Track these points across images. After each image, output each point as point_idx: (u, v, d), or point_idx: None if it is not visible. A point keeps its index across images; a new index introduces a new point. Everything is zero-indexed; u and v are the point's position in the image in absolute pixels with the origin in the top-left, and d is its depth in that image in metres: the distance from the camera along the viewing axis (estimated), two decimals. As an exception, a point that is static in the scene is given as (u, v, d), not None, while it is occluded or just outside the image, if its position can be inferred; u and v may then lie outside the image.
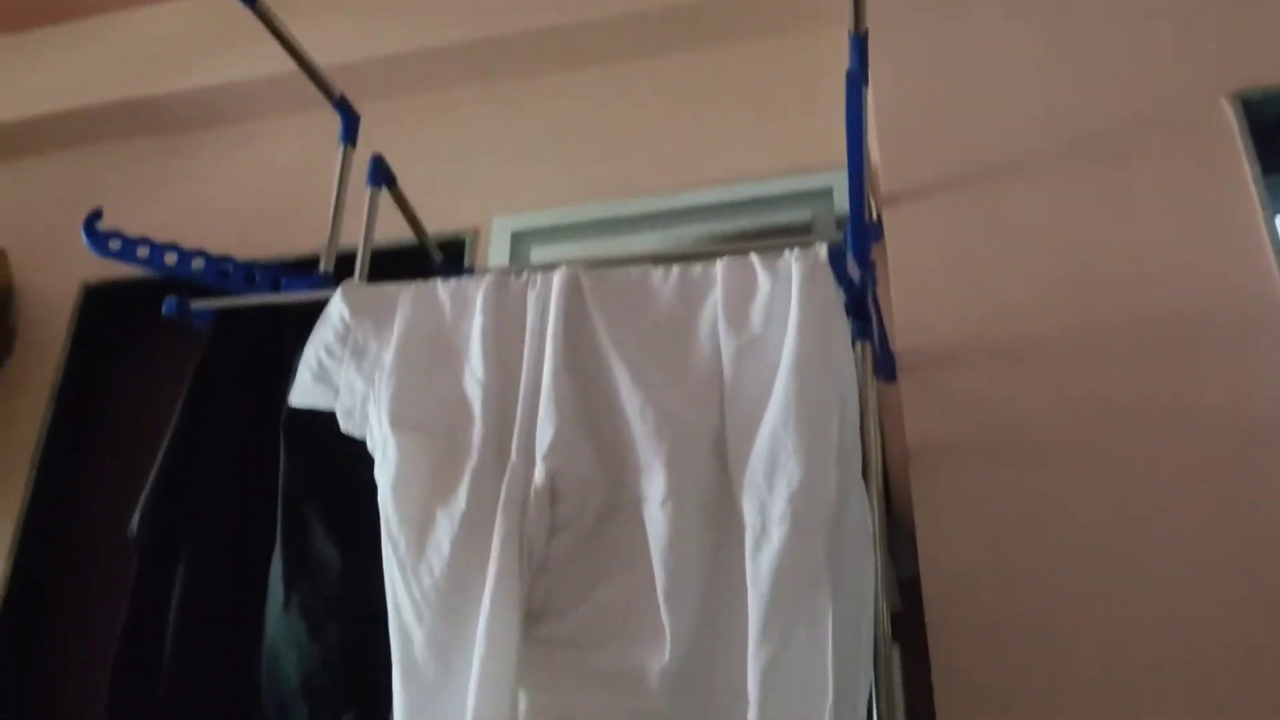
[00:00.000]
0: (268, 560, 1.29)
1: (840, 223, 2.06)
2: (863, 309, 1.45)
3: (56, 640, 1.93)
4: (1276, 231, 1.68)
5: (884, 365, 1.75)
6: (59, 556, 1.98)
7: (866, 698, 1.23)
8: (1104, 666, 1.49)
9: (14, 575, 1.91)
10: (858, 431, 1.23)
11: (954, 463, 1.67)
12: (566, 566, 1.14)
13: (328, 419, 1.29)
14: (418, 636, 1.10)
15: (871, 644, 1.24)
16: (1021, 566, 1.59)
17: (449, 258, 2.09)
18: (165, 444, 1.38)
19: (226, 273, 1.63)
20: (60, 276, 2.34)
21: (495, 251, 2.20)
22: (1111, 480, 1.59)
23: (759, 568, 1.07)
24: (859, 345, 1.43)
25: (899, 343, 1.78)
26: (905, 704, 1.56)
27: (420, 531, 1.14)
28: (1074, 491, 1.60)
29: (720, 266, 1.24)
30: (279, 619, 1.25)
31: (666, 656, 1.05)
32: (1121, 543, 1.55)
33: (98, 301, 2.27)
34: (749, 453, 1.13)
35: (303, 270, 1.70)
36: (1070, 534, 1.58)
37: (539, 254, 2.20)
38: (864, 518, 1.20)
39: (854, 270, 1.34)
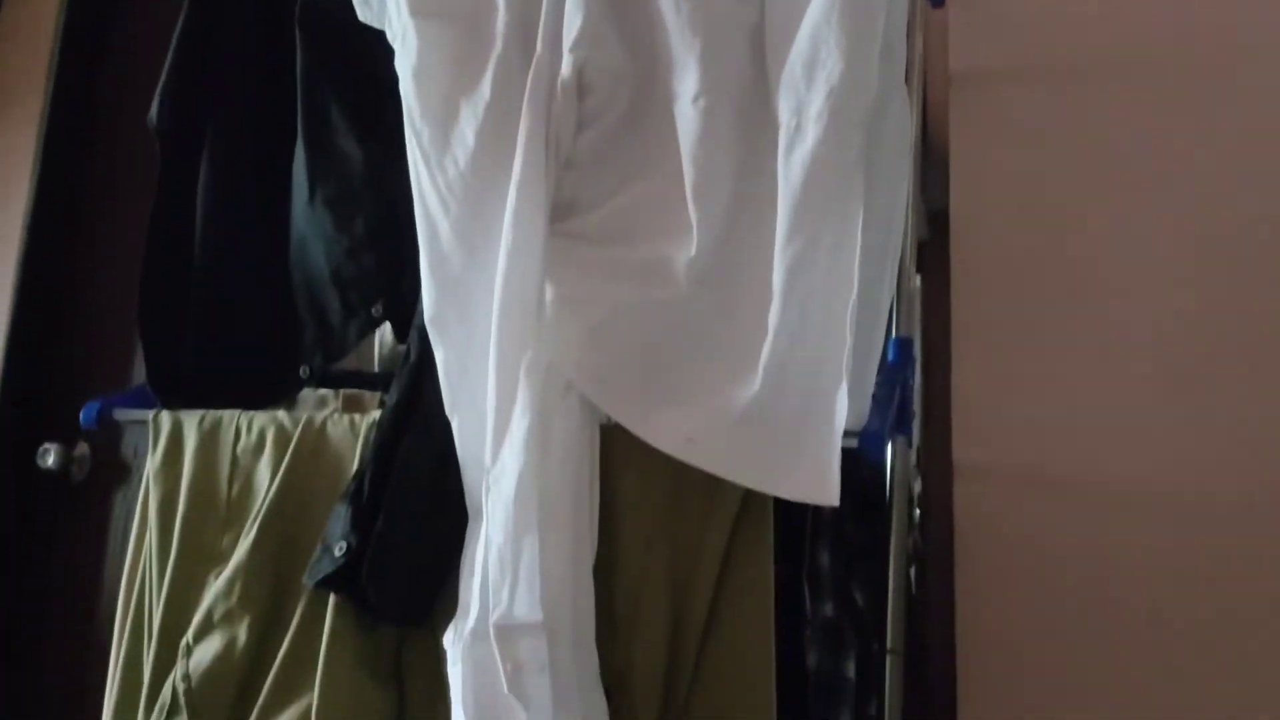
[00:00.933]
0: (291, 152, 1.27)
1: None
2: (918, -92, 1.34)
3: (89, 241, 1.96)
4: None
5: (933, -16, 1.64)
6: (86, 161, 1.97)
7: (889, 307, 1.24)
8: (1129, 302, 1.50)
9: (43, 182, 1.91)
10: (904, 32, 1.16)
11: (998, 91, 1.60)
12: (594, 163, 1.11)
13: (344, 9, 1.23)
14: (443, 226, 1.10)
15: (898, 256, 1.24)
16: (1057, 201, 1.56)
17: None
18: (177, 31, 1.33)
19: None
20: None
21: None
22: (1167, 112, 1.52)
23: (791, 166, 1.04)
24: (911, -53, 1.33)
25: (951, -41, 1.66)
26: (922, 329, 1.59)
27: (444, 122, 1.11)
28: (1122, 124, 1.54)
29: None
30: (304, 212, 1.25)
31: (693, 249, 1.05)
32: (1166, 173, 1.51)
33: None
34: (788, 49, 1.07)
35: None
36: (1111, 165, 1.54)
37: None
38: (903, 124, 1.16)
39: None
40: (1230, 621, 1.39)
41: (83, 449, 1.89)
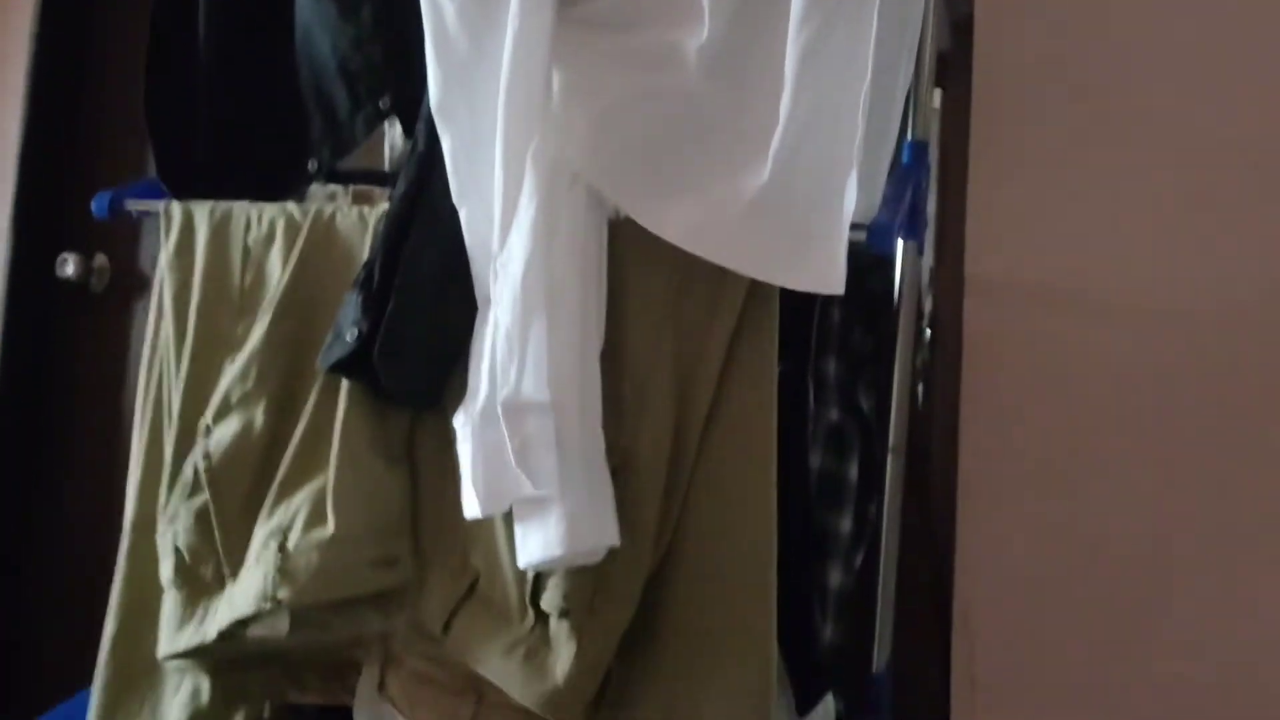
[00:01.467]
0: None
1: None
2: None
3: (99, 45, 1.94)
4: None
5: None
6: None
7: (903, 102, 1.23)
8: (1153, 119, 1.47)
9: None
10: None
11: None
12: (604, -55, 1.08)
13: None
14: (449, 10, 1.07)
15: (914, 50, 1.21)
16: (1084, 13, 1.51)
17: None
18: None
19: None
20: None
21: None
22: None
23: (806, -54, 1.00)
24: None
25: None
26: (940, 147, 1.57)
27: (450, -101, 1.07)
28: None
29: None
30: (309, 1, 1.23)
31: (704, 35, 1.03)
32: None
33: None
34: None
35: None
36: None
37: None
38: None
39: None
40: (1238, 433, 1.41)
41: (101, 260, 1.91)
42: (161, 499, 1.17)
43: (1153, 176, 1.47)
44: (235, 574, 1.11)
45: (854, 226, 1.03)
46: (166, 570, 1.14)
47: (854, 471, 1.37)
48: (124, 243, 1.91)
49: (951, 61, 1.58)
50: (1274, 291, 1.42)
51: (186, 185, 1.28)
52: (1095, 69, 1.50)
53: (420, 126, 1.13)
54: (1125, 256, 1.48)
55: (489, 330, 1.03)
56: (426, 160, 1.11)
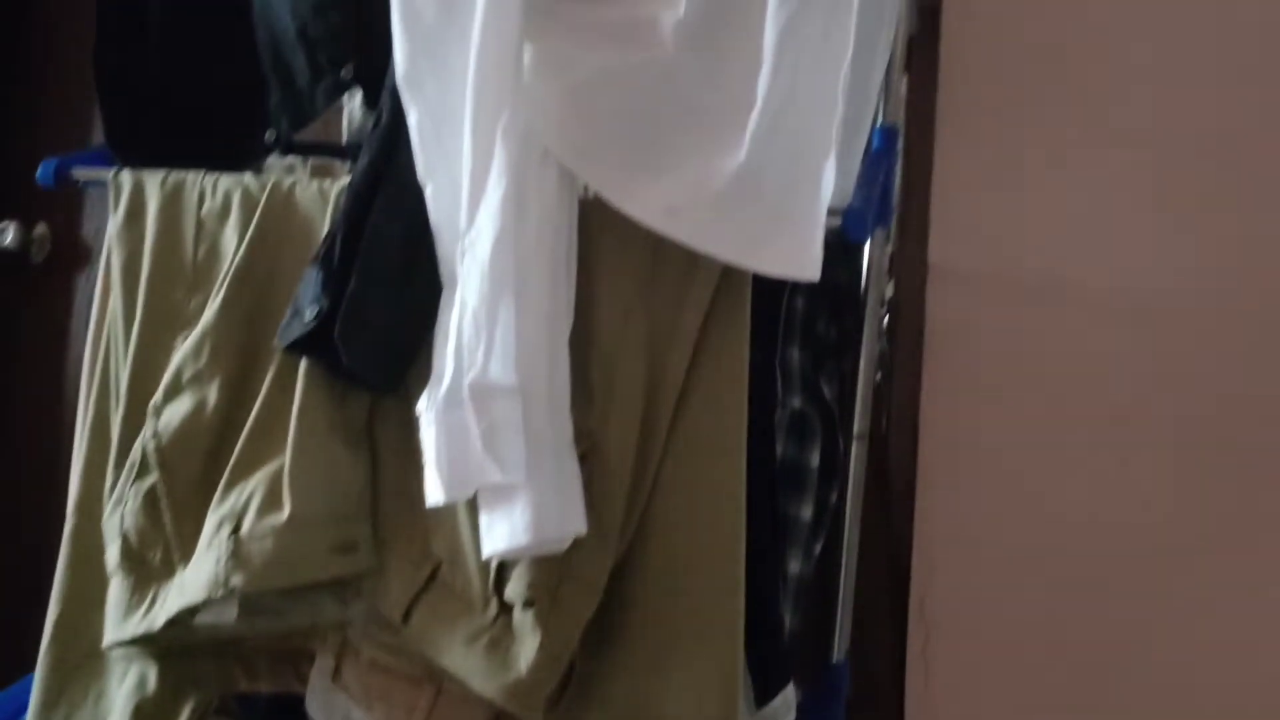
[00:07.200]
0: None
1: None
2: None
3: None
4: None
5: None
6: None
7: (879, 87, 1.21)
8: (1122, 109, 1.46)
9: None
10: None
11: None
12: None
13: None
14: (417, -21, 1.03)
15: (893, 27, 1.20)
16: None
17: None
18: None
19: None
20: None
21: None
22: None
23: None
24: None
25: None
26: (904, 133, 1.56)
27: None
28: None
29: None
30: (268, -38, 1.18)
31: (682, 10, 1.00)
32: None
33: None
34: None
35: None
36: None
37: None
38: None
39: None
40: (1191, 424, 1.42)
41: (42, 229, 1.84)
42: (108, 481, 1.12)
43: (1123, 164, 1.47)
44: (186, 560, 1.07)
45: (829, 211, 1.02)
46: (113, 555, 1.09)
47: (815, 459, 1.36)
48: (64, 211, 1.84)
49: (918, 49, 1.57)
50: (1242, 285, 1.43)
51: (137, 153, 1.22)
52: (1066, 55, 1.50)
53: (385, 98, 1.09)
54: (1092, 245, 1.48)
55: (455, 311, 1.00)
56: (391, 133, 1.07)
